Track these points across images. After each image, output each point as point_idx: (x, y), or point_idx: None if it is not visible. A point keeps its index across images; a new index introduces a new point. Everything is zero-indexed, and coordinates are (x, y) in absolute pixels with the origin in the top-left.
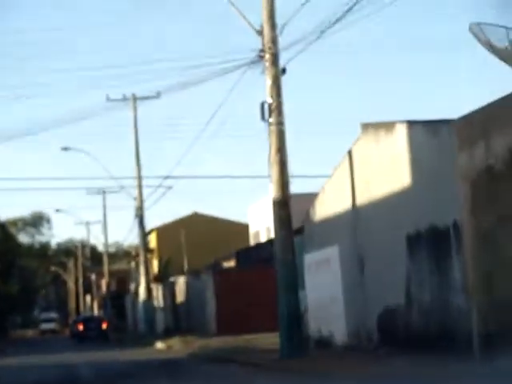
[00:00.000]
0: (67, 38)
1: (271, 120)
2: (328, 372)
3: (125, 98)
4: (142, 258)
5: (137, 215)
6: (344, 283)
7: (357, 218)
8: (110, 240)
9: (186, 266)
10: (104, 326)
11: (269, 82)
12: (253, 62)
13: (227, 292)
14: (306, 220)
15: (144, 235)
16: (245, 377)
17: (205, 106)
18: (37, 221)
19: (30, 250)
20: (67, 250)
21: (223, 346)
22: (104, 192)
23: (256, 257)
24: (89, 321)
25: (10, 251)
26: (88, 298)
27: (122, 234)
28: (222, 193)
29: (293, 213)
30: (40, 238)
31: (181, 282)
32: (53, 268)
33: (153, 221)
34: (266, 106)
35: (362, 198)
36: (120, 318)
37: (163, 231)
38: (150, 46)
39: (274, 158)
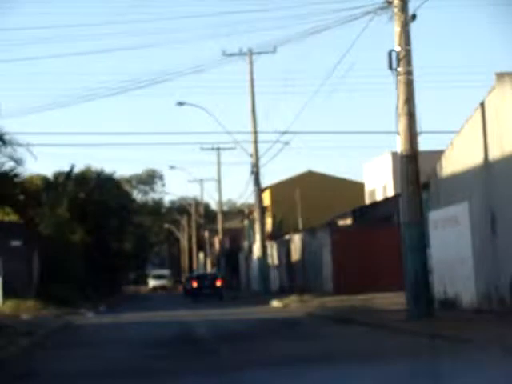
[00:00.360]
0: None
1: (399, 69)
2: (464, 337)
3: (241, 53)
4: (257, 215)
5: (252, 172)
6: (474, 242)
7: (489, 174)
8: (224, 198)
9: (300, 225)
10: (218, 283)
11: (397, 29)
12: (380, 9)
13: (344, 250)
14: (431, 176)
15: (259, 192)
16: (376, 339)
17: (324, 58)
18: (150, 178)
19: (143, 207)
20: (180, 208)
21: (342, 306)
22: (218, 149)
23: (373, 215)
24: (203, 278)
25: (124, 208)
26: (201, 255)
27: (235, 192)
28: (336, 149)
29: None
30: (153, 196)
31: (296, 240)
32: (166, 225)
33: (267, 179)
34: (394, 55)
35: (495, 153)
36: (233, 276)
37: (277, 189)
38: None
39: (402, 109)
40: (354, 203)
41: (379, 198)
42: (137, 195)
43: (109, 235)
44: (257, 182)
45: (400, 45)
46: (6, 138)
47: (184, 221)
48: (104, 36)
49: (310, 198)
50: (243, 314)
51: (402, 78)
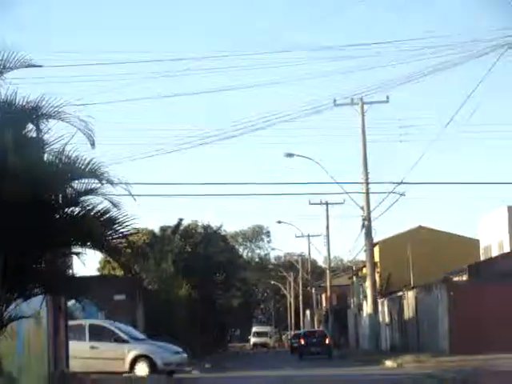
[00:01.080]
0: None
1: None
2: None
3: (352, 103)
4: (368, 271)
5: (363, 225)
6: None
7: None
8: (331, 254)
9: (412, 281)
10: (327, 341)
11: None
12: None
13: (462, 307)
14: None
15: (371, 246)
16: None
17: (440, 103)
18: (256, 234)
19: (249, 263)
20: (287, 264)
21: (464, 367)
22: (327, 203)
23: (490, 272)
24: (311, 335)
25: (230, 263)
26: (308, 312)
27: (342, 247)
28: (449, 202)
29: None
30: (259, 252)
31: (410, 297)
32: (272, 282)
33: (377, 234)
34: None
35: None
36: (342, 334)
37: (386, 245)
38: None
39: None
40: (468, 260)
41: (495, 254)
42: (243, 251)
43: (215, 290)
44: (368, 235)
45: None
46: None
47: (290, 277)
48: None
49: (421, 255)
50: (360, 376)
51: None
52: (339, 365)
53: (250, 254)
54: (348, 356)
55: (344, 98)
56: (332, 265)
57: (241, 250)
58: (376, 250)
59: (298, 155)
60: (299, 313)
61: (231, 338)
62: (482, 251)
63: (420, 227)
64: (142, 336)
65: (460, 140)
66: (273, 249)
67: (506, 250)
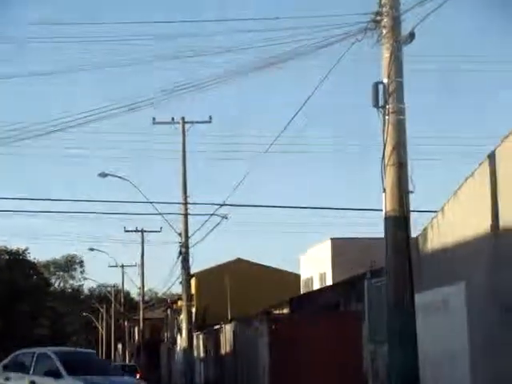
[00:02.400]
0: None
1: (388, 106)
2: None
3: (173, 122)
4: (184, 302)
5: (180, 252)
6: (471, 335)
7: (499, 245)
8: (146, 287)
9: (229, 314)
10: (138, 376)
11: (386, 55)
12: (363, 30)
13: (284, 342)
14: (413, 249)
15: (188, 276)
16: None
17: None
18: (70, 264)
19: (61, 293)
20: (100, 295)
21: None
22: (143, 231)
23: (312, 304)
24: (122, 369)
25: (40, 293)
26: (120, 346)
27: (158, 279)
28: (269, 234)
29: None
30: (73, 283)
31: (227, 330)
32: (84, 313)
33: (194, 265)
34: (381, 88)
35: (508, 219)
36: (154, 368)
37: (203, 277)
38: None
39: (390, 157)
40: (288, 293)
41: (316, 287)
42: (55, 281)
43: (20, 320)
44: (185, 263)
45: (389, 76)
46: None
47: (103, 309)
48: None
49: (239, 288)
50: None
51: (390, 117)
52: None
53: (62, 283)
54: None
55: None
56: (146, 297)
57: (53, 279)
58: (193, 281)
59: (113, 175)
60: (111, 345)
61: None
62: (302, 284)
63: (238, 259)
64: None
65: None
66: (85, 279)
67: (329, 282)
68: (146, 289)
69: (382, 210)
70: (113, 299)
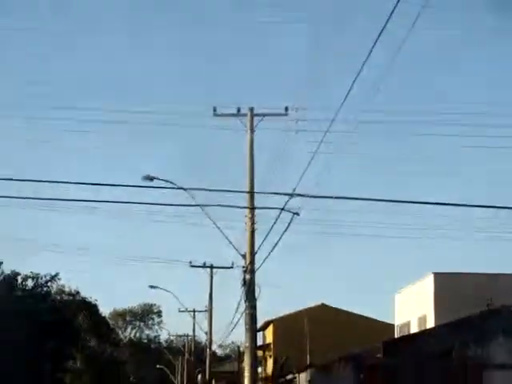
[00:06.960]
0: None
1: None
2: None
3: (238, 114)
4: (248, 343)
5: (245, 282)
6: None
7: None
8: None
9: (308, 362)
10: None
11: None
12: None
13: None
14: None
15: (252, 310)
16: None
17: None
18: (146, 313)
19: (138, 344)
20: (175, 348)
21: None
22: (212, 267)
23: (411, 350)
24: None
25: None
26: None
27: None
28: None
29: None
30: (149, 332)
31: (301, 380)
32: (158, 366)
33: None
34: None
35: None
36: None
37: (281, 324)
38: None
39: None
40: (376, 340)
41: (414, 330)
42: (131, 331)
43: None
44: (249, 295)
45: None
46: None
47: (178, 361)
48: None
49: (322, 335)
50: None
51: None
52: None
53: (137, 334)
54: None
55: None
56: (228, 351)
57: (129, 329)
58: (270, 328)
59: (158, 178)
60: None
61: None
62: (397, 330)
63: (322, 305)
64: None
65: None
66: (161, 329)
67: (430, 325)
68: (229, 341)
69: None
70: (185, 351)
